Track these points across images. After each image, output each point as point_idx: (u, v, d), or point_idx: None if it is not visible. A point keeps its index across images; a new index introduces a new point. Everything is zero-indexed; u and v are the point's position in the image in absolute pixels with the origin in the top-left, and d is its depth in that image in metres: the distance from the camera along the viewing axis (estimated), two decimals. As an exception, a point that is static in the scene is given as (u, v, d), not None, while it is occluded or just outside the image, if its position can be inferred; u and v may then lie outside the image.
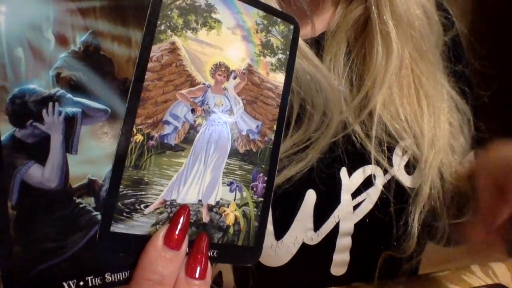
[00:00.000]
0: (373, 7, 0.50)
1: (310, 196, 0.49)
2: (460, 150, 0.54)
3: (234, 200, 0.30)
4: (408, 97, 0.52)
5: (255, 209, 0.31)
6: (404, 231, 0.51)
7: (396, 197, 0.51)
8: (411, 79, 0.52)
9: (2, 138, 0.24)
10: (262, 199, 0.31)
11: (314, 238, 0.50)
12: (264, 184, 0.31)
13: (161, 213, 0.28)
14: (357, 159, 0.51)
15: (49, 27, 0.25)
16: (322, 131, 0.47)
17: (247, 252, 0.31)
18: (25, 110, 0.24)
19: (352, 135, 0.50)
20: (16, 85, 0.24)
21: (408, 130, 0.51)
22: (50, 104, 0.25)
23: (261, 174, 0.31)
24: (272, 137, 0.32)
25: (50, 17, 0.25)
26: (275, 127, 0.32)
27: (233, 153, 0.30)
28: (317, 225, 0.50)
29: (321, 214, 0.50)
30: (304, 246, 0.50)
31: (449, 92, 0.54)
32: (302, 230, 0.49)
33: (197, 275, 0.27)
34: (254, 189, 0.31)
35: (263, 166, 0.31)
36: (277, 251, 0.50)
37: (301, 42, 0.46)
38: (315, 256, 0.51)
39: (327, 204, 0.50)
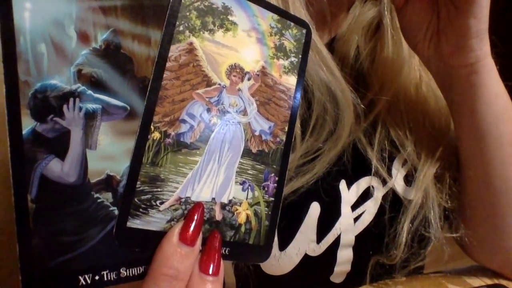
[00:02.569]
0: (386, 12, 0.51)
1: (315, 208, 0.50)
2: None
3: (246, 199, 0.31)
4: (414, 105, 0.52)
5: (266, 208, 0.32)
6: (393, 239, 0.51)
7: (392, 206, 0.52)
8: (418, 86, 0.52)
9: (24, 132, 0.24)
10: (273, 199, 0.32)
11: (316, 249, 0.51)
12: (275, 184, 0.32)
13: (176, 210, 0.28)
14: (358, 170, 0.51)
15: (71, 24, 0.26)
16: (332, 143, 0.47)
17: (257, 251, 0.31)
18: (47, 105, 0.25)
19: (357, 141, 0.51)
20: (38, 80, 0.25)
21: (410, 137, 0.52)
22: (71, 99, 0.25)
23: (272, 174, 0.32)
24: (284, 138, 0.32)
25: (72, 15, 0.26)
26: (286, 128, 0.32)
27: (246, 152, 0.31)
28: (319, 237, 0.51)
29: (324, 226, 0.51)
30: (306, 256, 0.50)
31: None
32: (305, 242, 0.50)
33: (210, 272, 0.27)
34: (266, 188, 0.32)
35: (275, 167, 0.32)
36: (280, 261, 0.50)
37: (324, 51, 0.46)
38: (316, 266, 0.51)
39: (329, 216, 0.51)
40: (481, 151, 0.48)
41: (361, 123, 0.50)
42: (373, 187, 0.51)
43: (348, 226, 0.51)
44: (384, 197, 0.51)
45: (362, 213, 0.51)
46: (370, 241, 0.52)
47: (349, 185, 0.51)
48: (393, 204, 0.51)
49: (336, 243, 0.51)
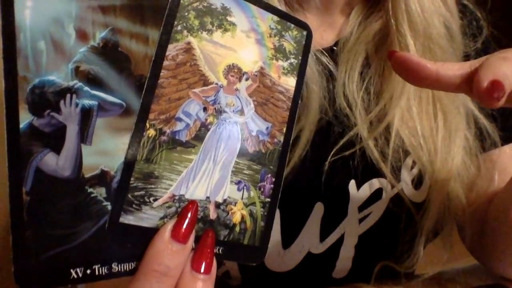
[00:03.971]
0: (392, 20, 0.50)
1: (318, 209, 0.50)
2: (473, 168, 0.53)
3: (242, 199, 0.31)
4: (426, 113, 0.51)
5: (262, 209, 0.31)
6: (408, 248, 0.51)
7: (402, 212, 0.51)
8: (429, 94, 0.51)
9: (21, 125, 0.25)
10: (269, 199, 0.32)
11: (319, 247, 0.51)
12: (272, 185, 0.32)
13: (170, 207, 0.28)
14: (368, 172, 0.51)
15: (70, 23, 0.26)
16: (304, 120, 0.48)
17: (252, 252, 0.31)
18: (44, 100, 0.25)
19: (366, 149, 0.50)
20: (36, 75, 0.25)
21: (424, 146, 0.51)
22: (68, 95, 0.26)
23: (269, 175, 0.32)
24: (282, 139, 0.32)
25: (72, 13, 0.26)
26: (284, 129, 0.32)
27: (242, 152, 0.31)
28: (323, 236, 0.51)
29: (328, 226, 0.51)
30: (309, 254, 0.51)
31: (469, 108, 0.53)
32: (309, 241, 0.50)
33: (202, 270, 0.27)
34: (262, 189, 0.31)
35: (271, 167, 0.32)
36: (284, 259, 0.51)
37: None
38: (319, 263, 0.52)
39: (334, 216, 0.51)
40: None
41: (371, 133, 0.50)
42: (382, 189, 0.51)
43: (353, 226, 0.51)
44: (392, 200, 0.51)
45: (369, 214, 0.51)
46: (375, 242, 0.52)
47: (359, 185, 0.50)
48: (403, 210, 0.51)
49: (339, 241, 0.51)
